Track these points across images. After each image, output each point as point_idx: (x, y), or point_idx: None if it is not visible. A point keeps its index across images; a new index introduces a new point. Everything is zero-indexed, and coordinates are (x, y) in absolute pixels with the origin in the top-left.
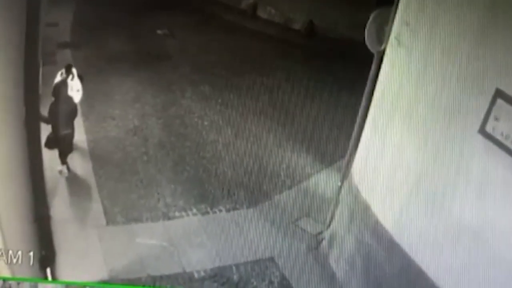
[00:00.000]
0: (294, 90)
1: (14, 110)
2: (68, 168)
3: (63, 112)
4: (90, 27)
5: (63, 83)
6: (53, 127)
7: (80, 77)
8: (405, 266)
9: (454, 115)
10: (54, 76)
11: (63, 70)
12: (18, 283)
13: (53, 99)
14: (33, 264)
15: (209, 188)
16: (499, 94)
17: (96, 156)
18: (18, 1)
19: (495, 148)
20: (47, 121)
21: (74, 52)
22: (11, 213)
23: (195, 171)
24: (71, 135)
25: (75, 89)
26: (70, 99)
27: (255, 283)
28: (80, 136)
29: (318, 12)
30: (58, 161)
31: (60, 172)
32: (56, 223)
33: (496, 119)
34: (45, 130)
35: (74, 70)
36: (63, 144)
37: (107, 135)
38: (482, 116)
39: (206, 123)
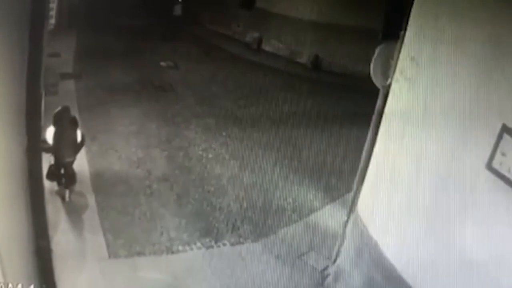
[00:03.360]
0: (300, 124)
1: (16, 141)
2: (69, 196)
3: (66, 140)
4: (93, 57)
5: (65, 110)
6: (55, 156)
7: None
8: None
9: (460, 151)
10: (56, 106)
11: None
12: None
13: (55, 128)
14: None
15: (214, 222)
16: (505, 129)
17: (98, 189)
18: (21, 31)
19: (502, 184)
20: (49, 151)
21: (76, 82)
22: (11, 245)
23: (199, 204)
24: (72, 164)
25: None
26: (72, 128)
27: None
28: (82, 167)
29: (324, 46)
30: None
31: (62, 194)
32: (57, 256)
33: (503, 154)
34: (46, 162)
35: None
36: (65, 174)
37: (110, 167)
38: (489, 151)
39: (210, 155)
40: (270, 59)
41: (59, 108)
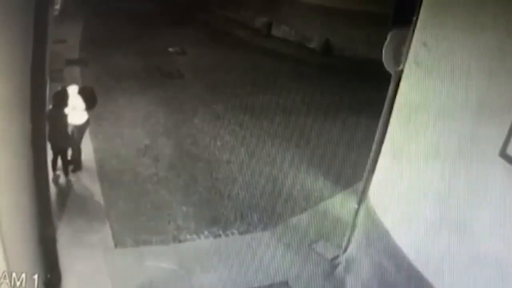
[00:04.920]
0: (310, 110)
1: (20, 128)
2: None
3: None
4: (99, 43)
5: (63, 92)
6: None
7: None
8: None
9: (474, 138)
10: None
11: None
12: None
13: (50, 106)
14: (37, 287)
15: (222, 210)
16: None
17: (104, 177)
18: (26, 17)
19: None
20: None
21: (82, 69)
22: (16, 234)
23: (207, 192)
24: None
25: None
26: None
27: None
28: (88, 155)
29: (334, 31)
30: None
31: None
32: (62, 245)
33: None
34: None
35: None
36: (63, 160)
37: (116, 154)
38: (503, 138)
39: (219, 143)
40: (280, 44)
41: (59, 88)
